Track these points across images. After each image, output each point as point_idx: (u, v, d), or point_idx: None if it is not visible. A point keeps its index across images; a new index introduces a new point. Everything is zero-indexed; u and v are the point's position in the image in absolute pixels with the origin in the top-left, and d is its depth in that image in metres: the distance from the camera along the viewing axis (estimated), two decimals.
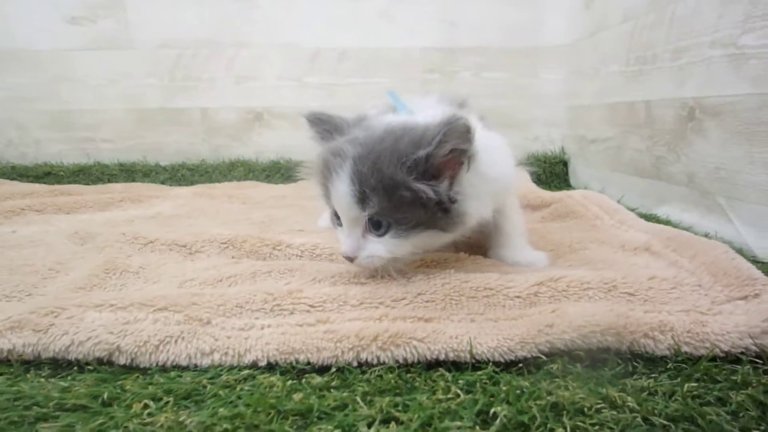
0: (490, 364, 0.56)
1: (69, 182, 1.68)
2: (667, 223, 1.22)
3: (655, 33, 1.31)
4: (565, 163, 1.86)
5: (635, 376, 0.54)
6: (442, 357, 0.56)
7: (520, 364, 0.56)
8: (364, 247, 0.68)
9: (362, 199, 0.65)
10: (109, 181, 1.71)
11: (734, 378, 0.53)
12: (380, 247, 0.68)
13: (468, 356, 0.56)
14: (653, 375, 0.54)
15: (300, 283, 0.72)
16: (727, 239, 1.06)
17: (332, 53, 1.83)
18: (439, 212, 0.66)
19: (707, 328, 0.57)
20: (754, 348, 0.56)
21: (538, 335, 0.57)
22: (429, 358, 0.56)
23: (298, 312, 0.64)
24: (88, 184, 1.67)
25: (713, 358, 0.56)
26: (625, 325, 0.57)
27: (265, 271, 0.77)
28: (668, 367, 0.55)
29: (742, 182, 1.02)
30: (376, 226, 0.67)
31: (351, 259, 0.68)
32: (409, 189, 0.64)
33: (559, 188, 1.67)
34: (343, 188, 0.66)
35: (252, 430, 0.45)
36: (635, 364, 0.56)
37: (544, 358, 0.56)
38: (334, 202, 0.68)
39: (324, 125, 0.72)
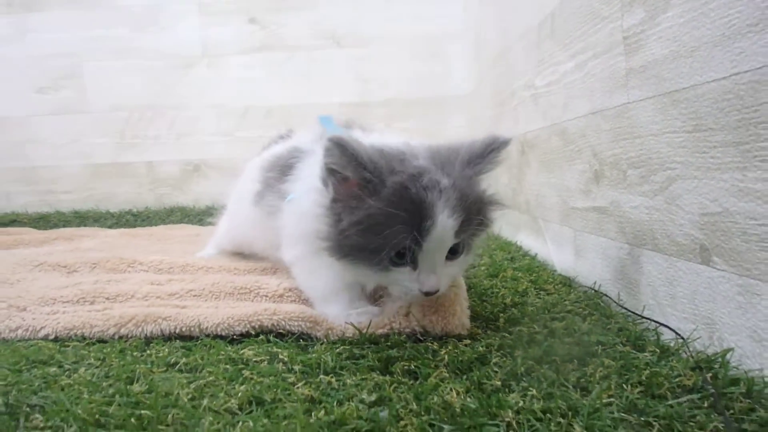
0: (210, 336, 0.71)
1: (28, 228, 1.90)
2: (519, 248, 1.37)
3: (502, 80, 1.50)
4: None
5: (314, 347, 0.68)
6: (177, 331, 0.72)
7: (238, 336, 0.72)
8: (442, 275, 0.68)
9: (461, 226, 0.66)
10: (64, 226, 1.93)
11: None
12: (455, 270, 0.71)
13: (198, 331, 0.72)
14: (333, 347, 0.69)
15: (118, 285, 0.89)
16: (545, 257, 1.20)
17: (260, 110, 2.07)
18: None
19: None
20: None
21: (253, 316, 0.72)
22: (169, 332, 0.72)
23: (98, 302, 0.81)
24: (45, 229, 1.89)
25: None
26: (325, 319, 0.73)
27: (105, 280, 0.95)
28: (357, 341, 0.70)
29: (547, 205, 1.17)
30: (454, 250, 0.69)
31: (433, 293, 0.68)
32: (486, 205, 0.71)
33: None
34: (448, 221, 0.64)
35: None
36: (322, 342, 0.71)
37: (252, 333, 0.71)
38: (433, 237, 0.65)
39: (350, 156, 0.64)
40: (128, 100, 2.06)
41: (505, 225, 1.58)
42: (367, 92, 2.05)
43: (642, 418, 0.49)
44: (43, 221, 1.99)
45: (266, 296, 0.82)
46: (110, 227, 1.93)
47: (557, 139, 1.08)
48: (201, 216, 2.01)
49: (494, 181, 1.70)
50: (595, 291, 0.92)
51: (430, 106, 2.05)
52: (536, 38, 1.16)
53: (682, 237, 0.68)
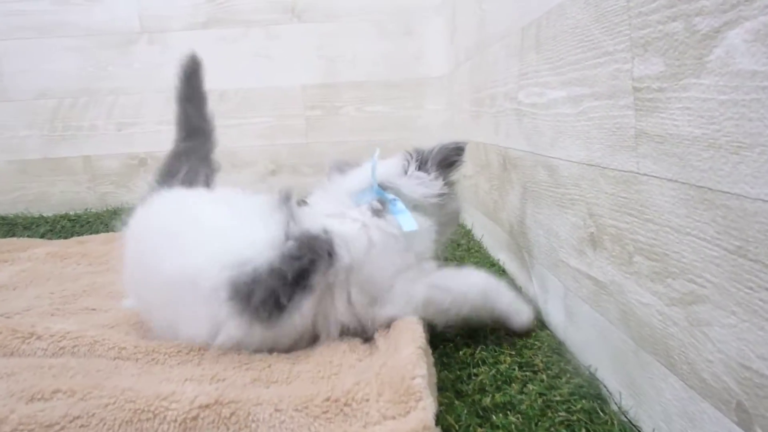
0: None
1: None
2: (501, 272, 1.20)
3: (480, 77, 1.28)
4: None
5: None
6: None
7: None
8: None
9: None
10: None
11: None
12: None
13: None
14: None
15: None
16: (530, 295, 1.03)
17: (212, 95, 1.81)
18: None
19: None
20: None
21: None
22: None
23: None
24: None
25: None
26: None
27: None
28: None
29: (532, 239, 0.99)
30: None
31: None
32: None
33: None
34: None
35: None
36: None
37: None
38: None
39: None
40: (57, 84, 1.79)
41: (487, 236, 1.40)
42: (334, 73, 1.81)
43: None
44: None
45: (174, 421, 0.64)
46: (43, 236, 1.71)
47: (544, 173, 0.89)
48: None
49: (474, 185, 1.50)
50: (591, 373, 0.77)
51: (405, 89, 1.81)
52: (518, 44, 0.95)
53: (711, 378, 0.51)
